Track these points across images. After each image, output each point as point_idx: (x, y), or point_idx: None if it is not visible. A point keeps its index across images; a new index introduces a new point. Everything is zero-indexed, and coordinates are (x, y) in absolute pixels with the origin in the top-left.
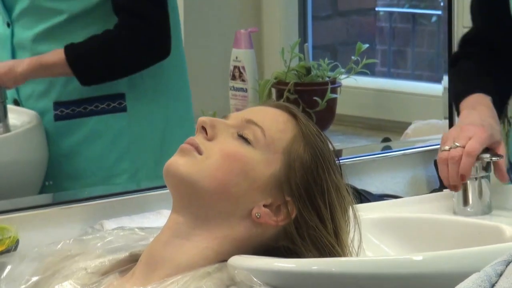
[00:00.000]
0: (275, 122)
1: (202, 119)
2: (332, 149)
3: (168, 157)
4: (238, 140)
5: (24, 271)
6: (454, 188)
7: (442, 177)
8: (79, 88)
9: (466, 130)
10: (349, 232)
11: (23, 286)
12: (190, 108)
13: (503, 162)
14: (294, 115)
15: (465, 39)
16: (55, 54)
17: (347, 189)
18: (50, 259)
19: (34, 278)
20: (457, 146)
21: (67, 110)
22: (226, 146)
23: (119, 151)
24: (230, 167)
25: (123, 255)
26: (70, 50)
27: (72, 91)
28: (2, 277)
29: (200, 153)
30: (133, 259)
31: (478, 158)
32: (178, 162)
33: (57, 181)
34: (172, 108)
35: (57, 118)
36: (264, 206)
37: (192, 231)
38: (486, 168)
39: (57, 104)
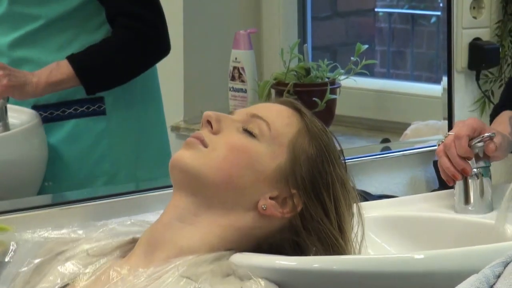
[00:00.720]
0: (280, 116)
1: (208, 113)
2: (338, 145)
3: (144, 160)
4: (243, 134)
5: (27, 254)
6: (464, 172)
7: (444, 167)
8: (58, 91)
9: (458, 122)
10: (353, 226)
11: (25, 268)
12: (162, 111)
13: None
14: (299, 110)
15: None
16: (61, 69)
17: (351, 184)
18: (52, 243)
19: (36, 260)
20: (449, 134)
21: (45, 114)
22: (231, 139)
23: (99, 153)
24: (235, 159)
25: (125, 239)
26: (76, 63)
27: (51, 94)
28: (5, 260)
29: (205, 146)
30: (134, 242)
31: (470, 145)
32: (184, 155)
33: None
34: (147, 112)
35: None
36: (270, 198)
37: (195, 218)
38: (484, 158)
39: (35, 108)
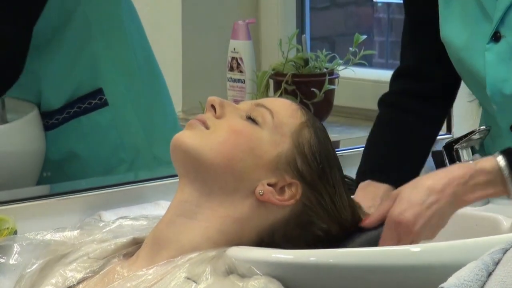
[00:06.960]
0: (284, 108)
1: (212, 98)
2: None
3: (158, 141)
4: (246, 120)
5: (30, 255)
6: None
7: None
8: (56, 97)
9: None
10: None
11: (29, 269)
12: (166, 90)
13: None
14: (303, 108)
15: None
16: None
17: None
18: (55, 244)
19: (39, 261)
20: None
21: (52, 120)
22: (234, 123)
23: (111, 145)
24: (236, 142)
25: (126, 239)
26: None
27: (50, 101)
28: (10, 262)
29: (207, 127)
30: (136, 242)
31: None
32: (185, 134)
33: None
34: (150, 94)
35: (44, 129)
36: (268, 184)
37: (196, 209)
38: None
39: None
